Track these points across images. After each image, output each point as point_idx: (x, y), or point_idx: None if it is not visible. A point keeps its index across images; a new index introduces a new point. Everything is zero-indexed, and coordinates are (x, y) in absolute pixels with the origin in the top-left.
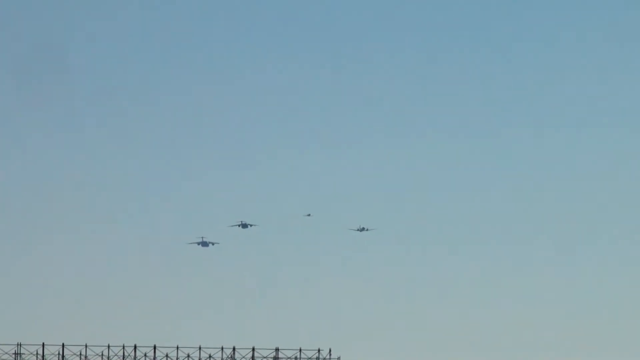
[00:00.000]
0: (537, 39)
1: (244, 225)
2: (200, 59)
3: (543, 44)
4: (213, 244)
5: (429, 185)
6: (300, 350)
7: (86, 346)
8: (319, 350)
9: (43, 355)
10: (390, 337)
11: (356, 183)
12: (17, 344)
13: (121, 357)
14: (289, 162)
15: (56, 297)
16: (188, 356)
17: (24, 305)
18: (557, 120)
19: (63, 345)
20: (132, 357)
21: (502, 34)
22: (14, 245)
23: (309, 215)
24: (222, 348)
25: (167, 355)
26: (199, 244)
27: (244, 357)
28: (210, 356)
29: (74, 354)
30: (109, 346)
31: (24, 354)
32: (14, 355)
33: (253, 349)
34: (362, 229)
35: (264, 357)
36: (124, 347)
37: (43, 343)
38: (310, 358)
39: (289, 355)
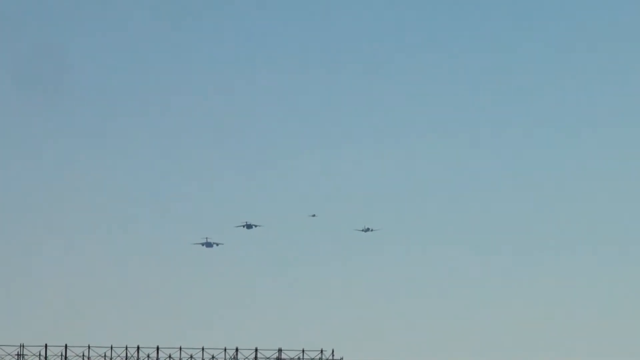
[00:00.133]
0: (537, 39)
1: (249, 226)
2: (204, 61)
3: (543, 44)
4: (217, 244)
5: (434, 186)
6: (303, 351)
7: (89, 347)
8: (321, 350)
9: (46, 357)
10: (394, 337)
11: (361, 184)
12: (20, 345)
13: (124, 358)
14: (293, 162)
15: (59, 298)
16: (191, 357)
17: (26, 307)
18: (557, 121)
19: (66, 346)
20: (135, 358)
21: (501, 35)
22: (17, 246)
23: (313, 215)
24: (225, 349)
25: (170, 356)
26: (203, 244)
27: (246, 357)
28: (213, 357)
29: (77, 355)
30: (111, 347)
31: (26, 355)
32: (16, 357)
33: (256, 350)
34: (367, 230)
35: (267, 358)
36: (127, 348)
37: (46, 344)
38: (312, 359)
39: (291, 356)
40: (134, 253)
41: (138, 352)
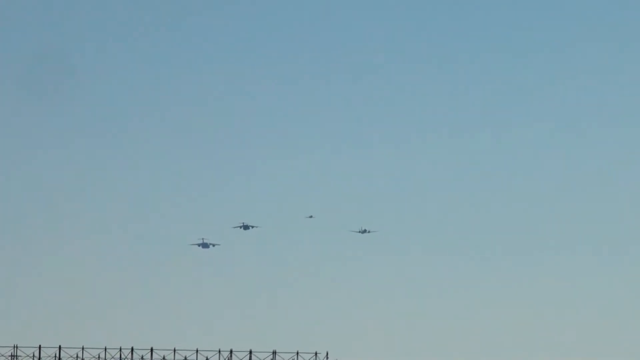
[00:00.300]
0: (537, 41)
1: (246, 227)
2: (202, 62)
3: (542, 45)
4: (214, 245)
5: (431, 187)
6: (297, 353)
7: (83, 348)
8: (315, 353)
9: (40, 358)
10: (390, 340)
11: (358, 185)
12: (14, 346)
13: None
14: (291, 163)
15: (53, 298)
16: (185, 359)
17: (20, 307)
18: (556, 123)
19: (60, 347)
20: None
21: (501, 36)
22: (11, 247)
23: (310, 216)
24: (220, 351)
25: (164, 358)
26: (199, 245)
27: (241, 359)
28: (207, 359)
29: (71, 356)
30: (105, 349)
31: (20, 356)
32: (10, 358)
33: (250, 352)
34: (364, 231)
35: None
36: (120, 350)
37: (40, 345)
38: None
39: (286, 358)
40: (129, 253)
41: (132, 354)
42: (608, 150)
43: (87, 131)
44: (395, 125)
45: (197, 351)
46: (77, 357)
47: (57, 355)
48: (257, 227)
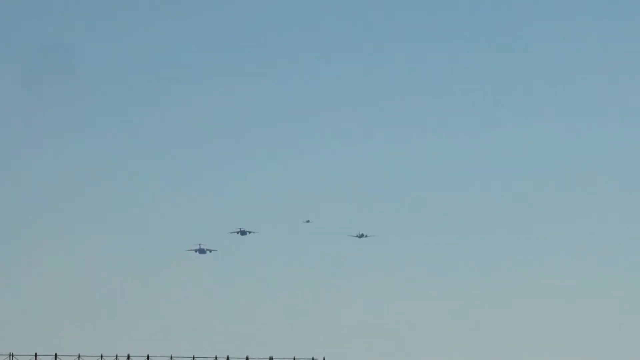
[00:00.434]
0: (538, 44)
1: (243, 233)
2: (199, 67)
3: (543, 49)
4: (211, 250)
5: (428, 191)
6: (294, 358)
7: (79, 356)
8: (312, 358)
9: None
10: (387, 345)
11: (355, 189)
12: (10, 354)
13: None
14: (287, 168)
15: (49, 306)
16: None
17: (17, 315)
18: (555, 126)
19: (56, 355)
20: None
21: (501, 38)
22: (7, 254)
23: (308, 221)
24: (216, 357)
25: None
26: (196, 250)
27: None
28: None
29: None
30: (102, 356)
31: None
32: None
33: (247, 358)
34: (361, 236)
35: None
36: (117, 357)
37: (36, 353)
38: None
39: None
40: (125, 259)
41: None
42: (608, 150)
43: (85, 135)
44: (393, 130)
45: (193, 358)
46: None
47: None
48: (254, 232)
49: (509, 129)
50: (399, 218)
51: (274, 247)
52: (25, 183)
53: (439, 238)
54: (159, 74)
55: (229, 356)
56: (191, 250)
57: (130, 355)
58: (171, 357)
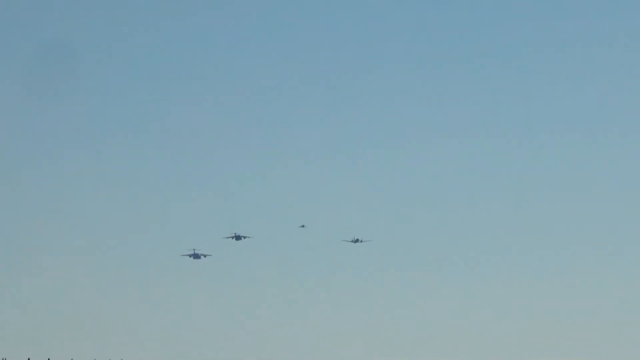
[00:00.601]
0: (538, 46)
1: (238, 237)
2: (197, 72)
3: (542, 47)
4: (205, 255)
5: (424, 197)
6: None
7: None
8: None
9: None
10: (383, 349)
11: (350, 194)
12: None
13: None
14: (282, 173)
15: (43, 311)
16: None
17: (9, 321)
18: (554, 127)
19: None
20: None
21: (501, 40)
22: (1, 261)
23: (302, 226)
24: None
25: None
26: (191, 255)
27: None
28: None
29: None
30: None
31: None
32: None
33: None
34: (357, 241)
35: None
36: None
37: (29, 358)
38: None
39: None
40: (120, 264)
41: None
42: (608, 151)
43: (80, 140)
44: (387, 136)
45: None
46: None
47: None
48: (249, 237)
49: (508, 134)
50: (394, 223)
51: (268, 252)
52: (22, 189)
53: (433, 243)
54: (159, 76)
55: None
56: (185, 255)
57: (123, 359)
58: None
